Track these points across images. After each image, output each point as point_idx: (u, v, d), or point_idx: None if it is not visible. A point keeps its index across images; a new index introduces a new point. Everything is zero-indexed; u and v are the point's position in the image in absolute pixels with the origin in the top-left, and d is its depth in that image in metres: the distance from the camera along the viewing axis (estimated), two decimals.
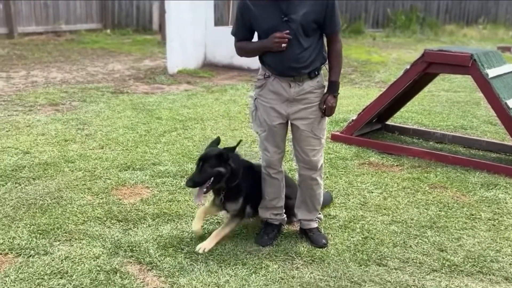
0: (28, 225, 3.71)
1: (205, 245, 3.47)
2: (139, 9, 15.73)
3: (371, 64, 11.54)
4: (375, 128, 6.25)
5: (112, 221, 3.82)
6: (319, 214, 3.80)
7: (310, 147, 3.46)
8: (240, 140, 3.88)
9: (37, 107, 6.97)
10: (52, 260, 3.26)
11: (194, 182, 3.41)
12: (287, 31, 3.21)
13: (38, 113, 6.66)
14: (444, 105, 7.72)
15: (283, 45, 3.22)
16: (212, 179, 3.41)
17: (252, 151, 5.40)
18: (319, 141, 3.49)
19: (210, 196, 3.68)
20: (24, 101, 7.22)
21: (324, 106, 3.41)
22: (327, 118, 3.53)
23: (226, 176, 3.45)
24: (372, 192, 4.52)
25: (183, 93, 8.14)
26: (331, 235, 3.73)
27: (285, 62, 3.30)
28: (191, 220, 3.79)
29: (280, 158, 3.61)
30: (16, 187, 4.35)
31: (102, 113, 6.73)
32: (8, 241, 3.50)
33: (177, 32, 9.57)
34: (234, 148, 3.57)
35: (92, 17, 15.02)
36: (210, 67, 10.35)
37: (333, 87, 3.42)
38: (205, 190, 3.41)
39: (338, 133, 5.96)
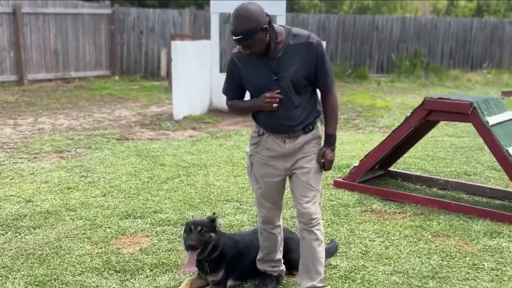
0: (26, 276, 3.70)
1: None
2: (148, 56, 16.03)
3: (375, 109, 11.61)
4: (378, 174, 6.23)
5: (110, 272, 3.79)
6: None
7: (304, 198, 3.37)
8: (214, 213, 3.76)
9: (42, 154, 7.04)
10: None
11: (196, 244, 3.35)
12: (278, 90, 3.17)
13: (42, 161, 6.72)
14: (448, 150, 7.71)
15: (274, 105, 3.19)
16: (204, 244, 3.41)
17: (253, 199, 5.39)
18: (314, 193, 3.39)
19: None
20: (30, 149, 7.29)
21: (323, 160, 3.36)
22: (323, 171, 3.45)
23: (211, 245, 3.44)
24: (374, 241, 4.48)
25: (188, 139, 8.20)
26: (332, 286, 3.68)
27: (278, 121, 3.26)
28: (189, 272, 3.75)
29: (277, 213, 3.56)
30: (16, 236, 4.36)
31: (106, 160, 6.78)
32: None
33: (183, 79, 9.73)
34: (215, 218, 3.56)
35: (101, 64, 15.30)
36: (216, 112, 10.45)
37: (330, 141, 3.37)
38: (196, 256, 3.38)
39: (340, 179, 5.95)
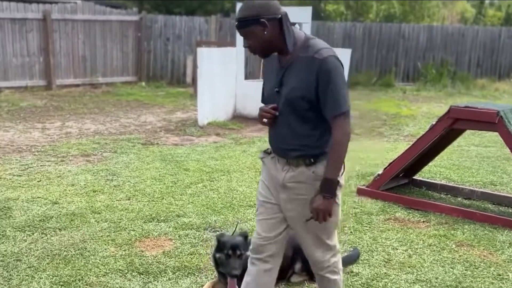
0: (51, 276, 3.77)
1: None
2: (174, 63, 16.20)
3: (400, 117, 11.53)
4: (402, 183, 6.19)
5: (133, 274, 3.84)
6: None
7: (305, 244, 2.95)
8: (237, 223, 3.79)
9: (69, 158, 7.16)
10: None
11: (240, 273, 3.33)
12: (275, 105, 2.81)
13: (69, 164, 6.84)
14: (474, 160, 7.61)
15: (264, 120, 2.85)
16: None
17: None
18: (319, 241, 2.90)
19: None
20: (57, 152, 7.43)
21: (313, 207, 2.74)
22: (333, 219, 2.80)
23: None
24: (397, 249, 4.44)
25: (212, 145, 8.25)
26: None
27: (274, 140, 2.89)
28: (211, 274, 3.79)
29: (271, 247, 2.98)
30: (42, 237, 4.44)
31: (131, 164, 6.86)
32: None
33: (208, 85, 9.81)
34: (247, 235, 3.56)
35: (128, 70, 15.52)
36: (240, 119, 10.50)
37: (323, 186, 2.70)
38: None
39: (364, 187, 5.92)
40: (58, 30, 13.71)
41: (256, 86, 11.07)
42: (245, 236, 3.53)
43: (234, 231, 3.66)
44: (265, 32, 2.70)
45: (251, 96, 10.59)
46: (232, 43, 10.97)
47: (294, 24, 2.80)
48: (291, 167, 2.82)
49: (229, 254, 3.42)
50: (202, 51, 9.95)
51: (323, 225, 2.79)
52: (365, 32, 17.40)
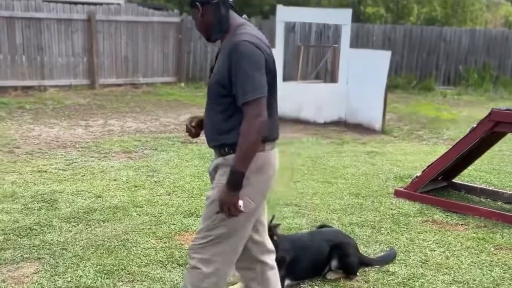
0: (95, 265, 3.91)
1: None
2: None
3: (440, 121, 11.38)
4: (441, 186, 6.14)
5: (173, 265, 3.96)
6: None
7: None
8: (273, 216, 3.85)
9: (111, 154, 7.37)
10: None
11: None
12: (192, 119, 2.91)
13: (112, 160, 7.04)
14: None
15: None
16: None
17: (313, 203, 5.47)
18: (201, 230, 2.78)
19: None
20: (100, 148, 7.66)
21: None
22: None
23: None
24: (434, 250, 4.43)
25: None
26: None
27: (204, 129, 2.88)
28: None
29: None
30: (86, 228, 4.61)
31: (171, 162, 7.02)
32: (76, 279, 3.70)
33: None
34: (276, 224, 3.63)
35: (168, 71, 15.78)
36: None
37: (228, 177, 2.59)
38: None
39: (402, 189, 5.91)
40: (102, 31, 14.06)
41: (293, 88, 11.16)
42: (274, 225, 3.57)
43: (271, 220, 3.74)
44: (199, 16, 2.70)
45: (288, 97, 10.62)
46: (271, 45, 11.03)
47: (242, 15, 2.79)
48: (215, 156, 2.81)
49: None
50: None
51: (208, 211, 2.73)
52: (406, 34, 17.21)
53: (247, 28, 2.68)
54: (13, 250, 4.13)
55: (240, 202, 2.60)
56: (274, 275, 3.05)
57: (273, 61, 2.75)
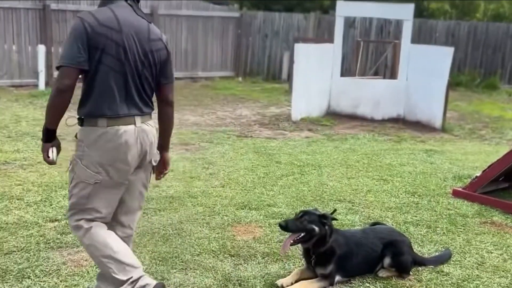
0: (150, 252, 4.04)
1: (285, 281, 3.58)
2: (270, 59, 16.44)
3: (504, 121, 10.98)
4: (502, 187, 5.94)
5: (225, 255, 4.03)
6: None
7: None
8: (335, 210, 3.90)
9: (169, 145, 7.52)
10: (168, 287, 3.52)
11: (287, 225, 3.55)
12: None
13: (170, 152, 7.18)
14: None
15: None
16: (303, 234, 3.54)
17: (367, 200, 5.42)
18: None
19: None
20: None
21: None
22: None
23: (315, 238, 3.55)
24: (491, 253, 4.30)
25: (304, 140, 8.34)
26: None
27: None
28: (299, 261, 3.89)
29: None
30: (143, 216, 4.75)
31: (226, 155, 7.12)
32: None
33: (304, 81, 9.90)
34: (333, 216, 3.68)
35: (226, 65, 15.97)
36: (333, 116, 10.49)
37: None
38: (292, 241, 3.54)
39: (460, 189, 5.75)
40: (163, 25, 14.38)
41: (351, 83, 11.05)
42: (322, 214, 3.62)
43: (332, 212, 3.77)
44: None
45: (345, 93, 10.59)
46: (330, 40, 10.96)
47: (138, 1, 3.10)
48: None
49: (296, 215, 3.62)
50: (299, 47, 10.06)
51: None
52: (470, 31, 16.67)
53: (103, 8, 2.94)
54: (74, 234, 4.30)
55: (50, 153, 2.99)
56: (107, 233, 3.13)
57: (114, 40, 2.86)
